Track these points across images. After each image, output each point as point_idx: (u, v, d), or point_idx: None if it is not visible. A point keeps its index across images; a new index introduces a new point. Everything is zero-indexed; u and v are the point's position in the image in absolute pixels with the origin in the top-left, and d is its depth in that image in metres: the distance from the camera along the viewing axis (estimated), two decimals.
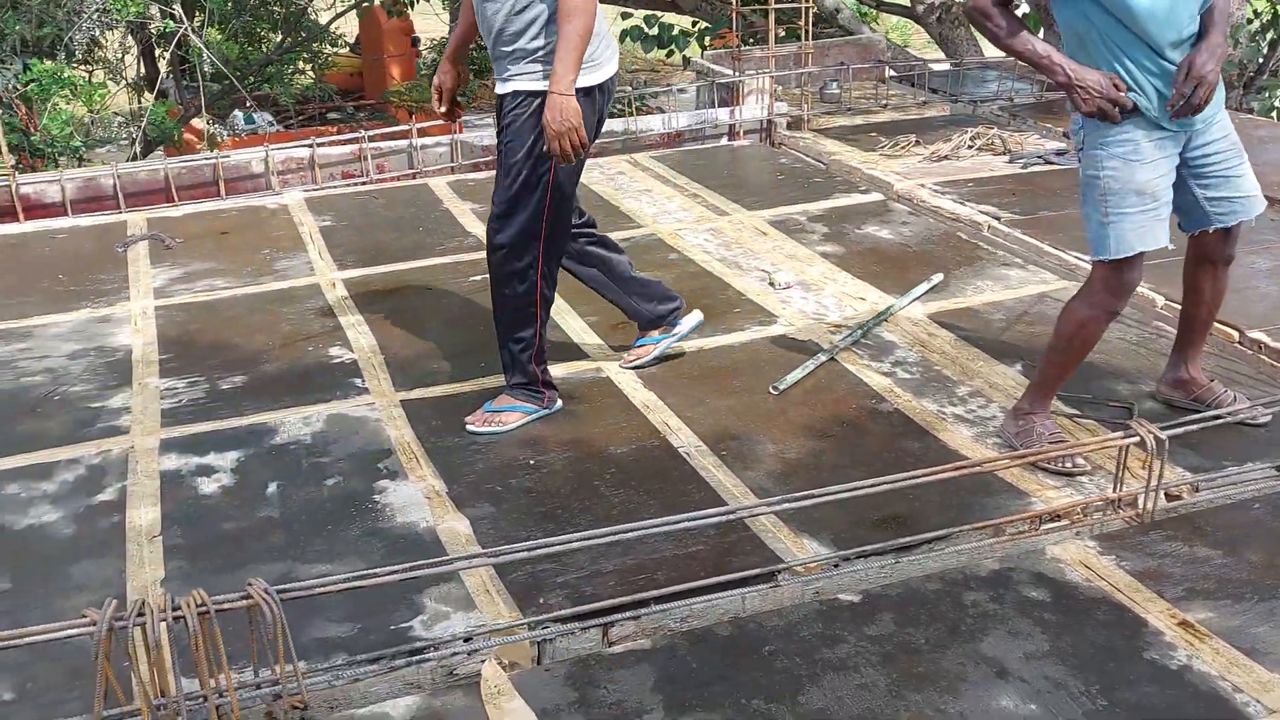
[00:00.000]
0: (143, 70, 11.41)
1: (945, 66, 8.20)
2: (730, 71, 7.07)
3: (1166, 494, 2.91)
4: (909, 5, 10.57)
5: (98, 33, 9.25)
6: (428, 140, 6.33)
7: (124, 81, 10.76)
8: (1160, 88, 2.88)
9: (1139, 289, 3.26)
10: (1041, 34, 7.23)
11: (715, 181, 5.87)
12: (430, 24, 14.40)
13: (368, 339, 4.07)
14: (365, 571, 2.34)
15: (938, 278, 4.44)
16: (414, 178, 6.20)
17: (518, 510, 3.02)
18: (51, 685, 2.38)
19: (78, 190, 5.75)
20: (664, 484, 3.12)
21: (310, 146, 6.13)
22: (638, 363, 3.76)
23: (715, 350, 3.92)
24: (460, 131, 6.50)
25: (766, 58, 6.94)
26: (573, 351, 3.93)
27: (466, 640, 2.48)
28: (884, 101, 7.29)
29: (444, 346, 3.99)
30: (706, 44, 10.09)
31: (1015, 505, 2.95)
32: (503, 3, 3.10)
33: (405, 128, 6.33)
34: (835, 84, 7.39)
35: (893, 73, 8.07)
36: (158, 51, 11.26)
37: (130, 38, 10.57)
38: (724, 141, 6.87)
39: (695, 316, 3.81)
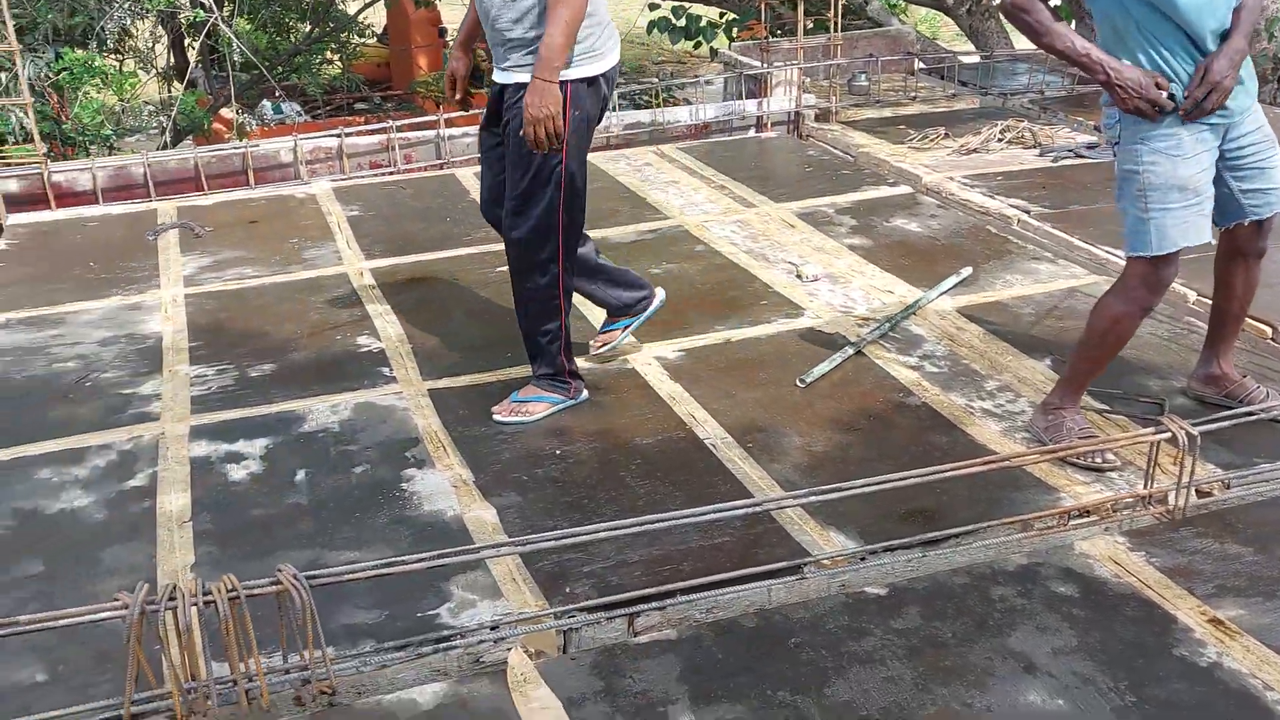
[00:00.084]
0: (172, 60, 11.49)
1: (975, 59, 8.16)
2: (758, 63, 7.04)
3: (1197, 490, 2.88)
4: None
5: (128, 22, 9.32)
6: (455, 131, 6.34)
7: (154, 71, 10.83)
8: None
9: (1172, 284, 3.23)
10: (1073, 25, 7.16)
11: (742, 173, 5.86)
12: (457, 14, 14.39)
13: (395, 328, 4.09)
14: (393, 559, 2.35)
15: (967, 271, 4.42)
16: (441, 168, 6.22)
17: (544, 500, 3.03)
18: (82, 668, 2.41)
19: (109, 178, 5.79)
20: (690, 475, 3.12)
21: (338, 136, 6.16)
22: (605, 349, 3.72)
23: (742, 342, 3.92)
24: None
25: (795, 49, 6.92)
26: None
27: (493, 628, 2.49)
28: (913, 94, 7.25)
29: (470, 336, 4.00)
30: (734, 35, 10.07)
31: (1044, 500, 2.93)
32: None
33: (433, 118, 6.34)
34: (864, 76, 7.35)
35: (922, 65, 8.02)
36: (187, 41, 11.33)
37: (160, 27, 10.63)
38: (751, 133, 6.86)
39: (660, 297, 3.74)
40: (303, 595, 2.14)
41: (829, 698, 2.23)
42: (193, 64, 11.51)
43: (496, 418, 3.41)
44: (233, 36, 8.92)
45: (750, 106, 6.86)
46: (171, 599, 2.10)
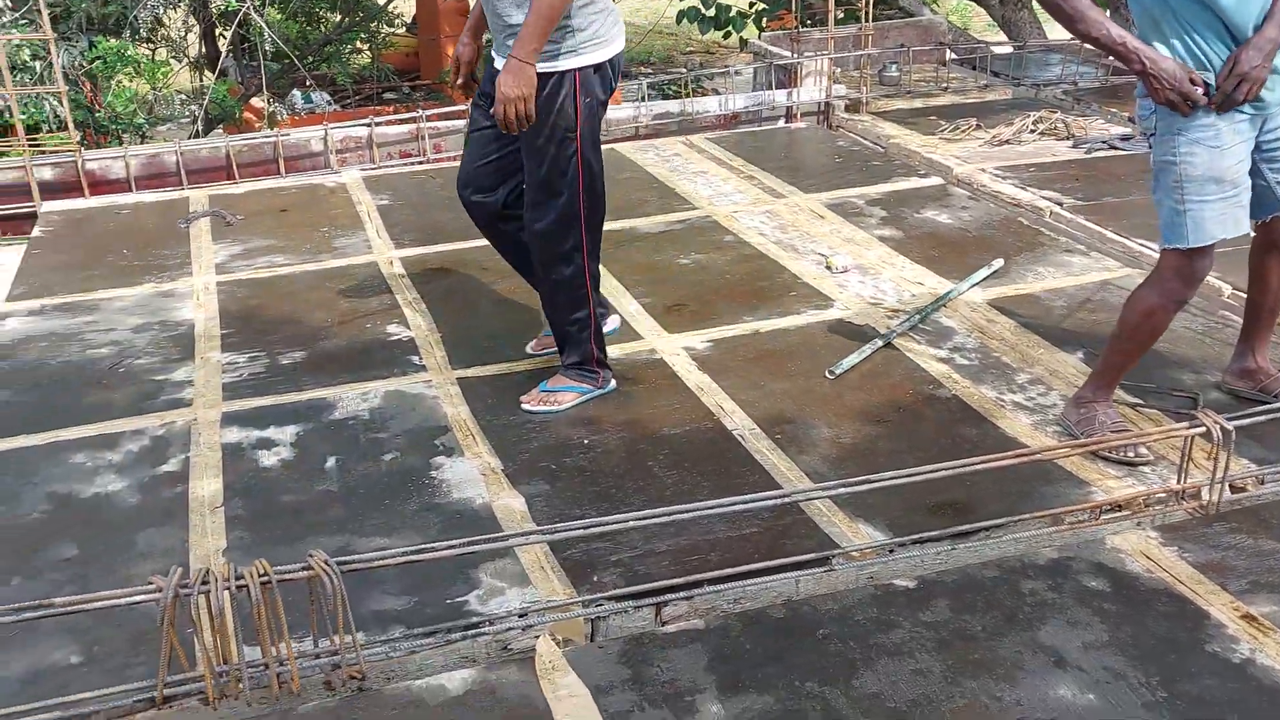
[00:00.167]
0: (203, 49, 11.55)
1: (1007, 49, 8.08)
2: (788, 53, 7.02)
3: (1231, 485, 2.85)
4: None
5: (161, 11, 9.38)
6: None
7: (186, 60, 10.89)
8: None
9: (1206, 277, 3.19)
10: (1108, 14, 7.09)
11: (772, 164, 5.84)
12: None
13: (424, 317, 4.10)
14: (424, 545, 2.36)
15: (998, 263, 4.39)
16: None
17: (572, 489, 3.03)
18: (117, 650, 2.43)
19: (142, 166, 5.84)
20: (718, 466, 3.12)
21: (368, 126, 6.18)
22: (544, 352, 3.67)
23: (771, 333, 3.91)
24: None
25: (825, 39, 6.89)
26: (627, 332, 3.93)
27: (521, 616, 2.50)
28: (944, 84, 7.20)
29: (499, 325, 4.01)
30: (764, 25, 10.03)
31: (1075, 494, 2.91)
32: None
33: (462, 108, 6.35)
34: (895, 66, 7.31)
35: (953, 55, 7.97)
36: (218, 30, 11.40)
37: (192, 17, 10.70)
38: (781, 124, 6.83)
39: (614, 323, 3.73)
40: (334, 581, 2.15)
41: (857, 689, 2.23)
42: (224, 53, 11.58)
43: (525, 407, 3.42)
44: (264, 26, 8.96)
45: (780, 97, 6.84)
46: (205, 583, 2.12)
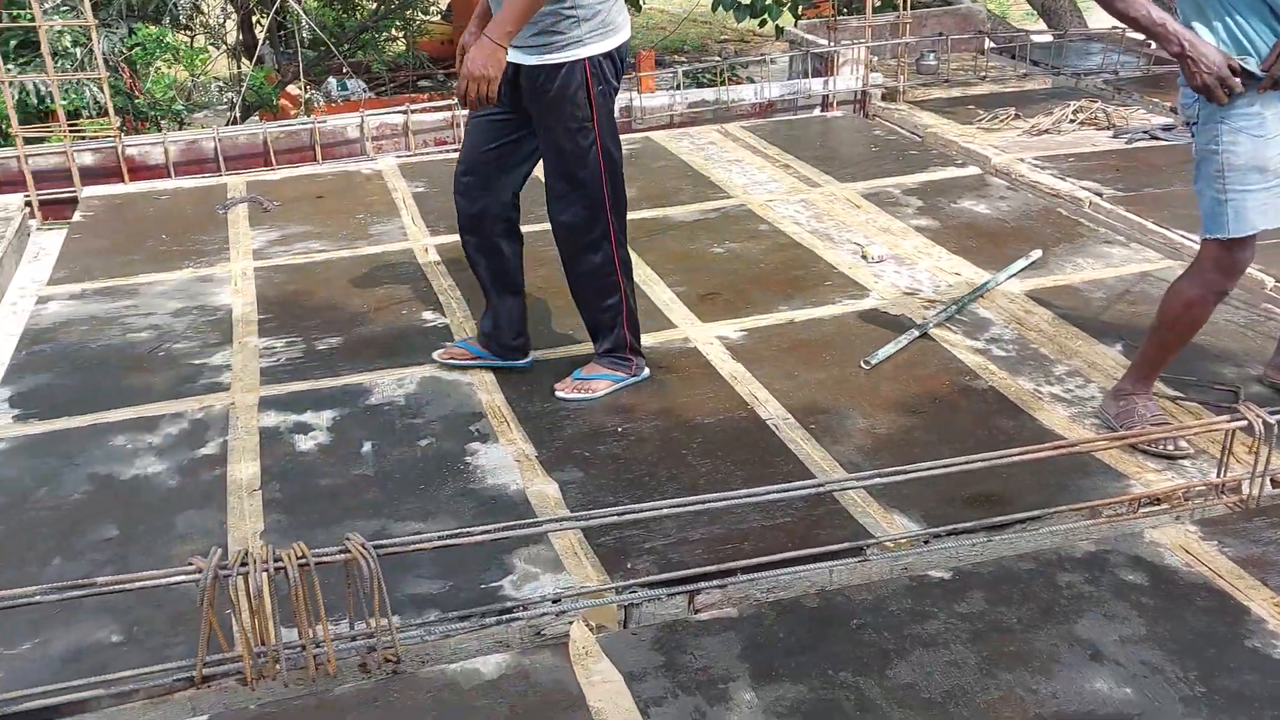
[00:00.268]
0: (240, 37, 11.63)
1: (1047, 38, 8.00)
2: (825, 42, 6.98)
3: (1273, 480, 2.81)
4: None
5: None
6: None
7: (223, 47, 10.97)
8: None
9: (1248, 269, 3.15)
10: None
11: (807, 153, 5.81)
12: None
13: (459, 304, 4.12)
14: (459, 530, 2.37)
15: (1036, 254, 4.35)
16: None
17: (605, 476, 3.04)
18: (157, 630, 2.46)
19: (180, 152, 5.89)
20: (751, 455, 3.11)
21: (404, 113, 6.20)
22: (449, 360, 3.61)
23: (806, 323, 3.89)
24: None
25: (863, 27, 6.84)
26: (661, 321, 3.93)
27: (555, 601, 2.51)
28: (983, 73, 7.14)
29: (533, 313, 4.00)
30: (800, 13, 9.96)
31: (1113, 487, 2.88)
32: None
33: None
34: (933, 55, 7.25)
35: (992, 44, 7.89)
36: (255, 17, 11.46)
37: (230, 4, 10.77)
38: (817, 112, 6.79)
39: (522, 362, 3.58)
40: (370, 564, 2.17)
41: (891, 679, 2.22)
42: (261, 40, 11.65)
43: (559, 394, 3.43)
44: (301, 13, 9.01)
45: (816, 85, 6.80)
46: (243, 565, 2.14)
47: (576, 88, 3.09)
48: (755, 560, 2.59)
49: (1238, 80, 2.75)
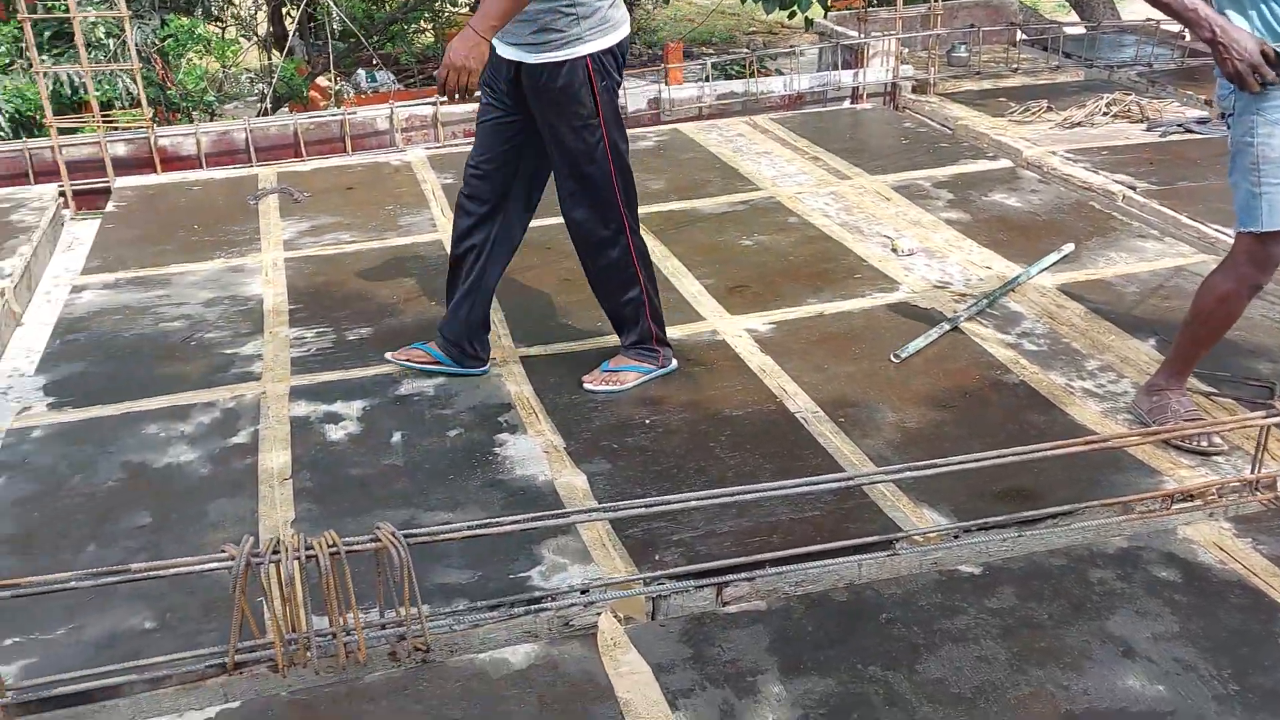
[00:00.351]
0: (271, 28, 11.70)
1: (1080, 30, 7.92)
2: (855, 33, 6.94)
3: None
4: None
5: None
6: None
7: (254, 39, 11.04)
8: None
9: None
10: None
11: (836, 145, 5.78)
12: None
13: None
14: (489, 520, 2.38)
15: (1068, 248, 4.31)
16: None
17: (633, 468, 3.04)
18: (189, 616, 2.49)
19: (212, 143, 5.94)
20: (780, 448, 3.10)
21: (433, 104, 6.22)
22: (406, 362, 3.56)
23: (835, 316, 3.88)
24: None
25: (893, 19, 6.80)
26: (689, 314, 3.92)
27: (583, 592, 2.51)
28: (1014, 66, 7.08)
29: (562, 305, 4.03)
30: (830, 5, 9.91)
31: (1146, 483, 2.86)
32: None
33: None
34: (964, 47, 7.20)
35: (1024, 36, 7.82)
36: (285, 10, 11.53)
37: None
38: (846, 105, 6.76)
39: (478, 370, 3.52)
40: (401, 553, 2.18)
41: (920, 674, 2.21)
42: (291, 32, 11.71)
43: (587, 386, 3.43)
44: (331, 5, 9.05)
45: (846, 77, 6.77)
46: (275, 553, 2.15)
47: (580, 85, 3.08)
48: (784, 553, 2.59)
49: (1271, 71, 2.71)
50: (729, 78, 7.92)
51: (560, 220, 3.43)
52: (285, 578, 2.14)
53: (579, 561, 2.64)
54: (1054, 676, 2.20)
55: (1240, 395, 3.24)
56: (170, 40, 7.91)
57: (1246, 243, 2.91)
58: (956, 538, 2.68)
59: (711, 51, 12.77)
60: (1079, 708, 2.12)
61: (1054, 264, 4.20)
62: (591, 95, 3.09)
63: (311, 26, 11.86)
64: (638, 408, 3.33)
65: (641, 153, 5.81)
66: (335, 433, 3.25)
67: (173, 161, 5.87)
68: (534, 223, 4.72)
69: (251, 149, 5.93)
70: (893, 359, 3.54)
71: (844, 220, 4.76)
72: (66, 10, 5.60)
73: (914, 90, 6.70)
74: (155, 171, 5.77)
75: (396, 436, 3.22)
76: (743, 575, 2.55)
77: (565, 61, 3.06)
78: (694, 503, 2.51)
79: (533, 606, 2.47)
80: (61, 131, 5.60)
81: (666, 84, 6.74)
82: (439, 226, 4.85)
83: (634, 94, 6.55)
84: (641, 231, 3.40)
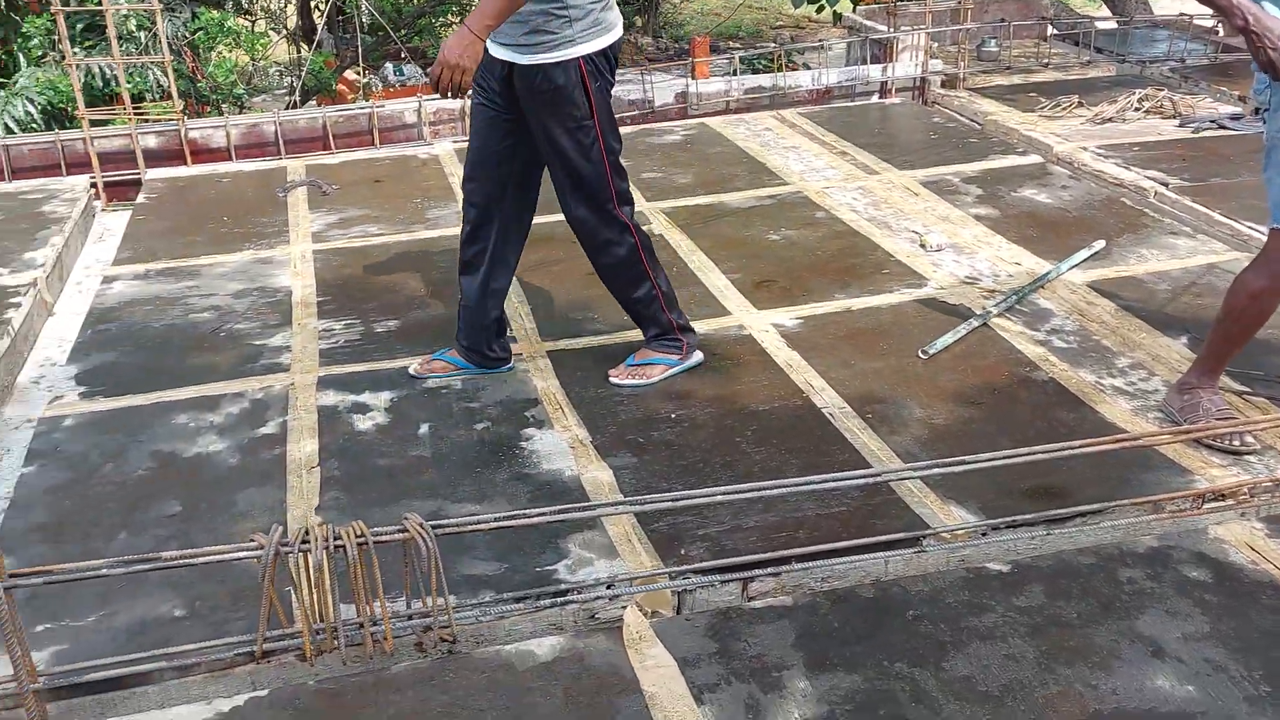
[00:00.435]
0: (300, 21, 11.73)
1: (1112, 25, 7.85)
2: (884, 28, 6.90)
3: None
4: None
5: None
6: None
7: (284, 32, 11.08)
8: None
9: None
10: None
11: (865, 139, 5.75)
12: None
13: (514, 290, 4.12)
14: (516, 512, 2.38)
15: (1099, 244, 4.27)
16: None
17: (659, 462, 3.04)
18: (218, 605, 2.50)
19: (241, 136, 5.97)
20: (806, 443, 3.10)
21: (462, 99, 6.22)
22: (426, 374, 3.52)
23: (863, 311, 3.86)
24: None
25: (923, 13, 6.75)
26: (715, 308, 3.92)
27: (609, 586, 2.51)
28: (1045, 60, 7.03)
29: (588, 299, 4.02)
30: None
31: (1177, 482, 2.83)
32: None
33: None
34: (994, 41, 7.15)
35: (1055, 31, 7.76)
36: (314, 3, 11.56)
37: None
38: (875, 99, 6.73)
39: (504, 368, 3.54)
40: (428, 544, 2.19)
41: (947, 672, 2.20)
42: (320, 26, 11.75)
43: (613, 380, 3.43)
44: None
45: (874, 72, 6.73)
46: (304, 542, 2.16)
47: (574, 86, 3.08)
48: (810, 549, 2.58)
49: None
50: (756, 72, 7.90)
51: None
52: (314, 567, 2.15)
53: (605, 555, 2.64)
54: (1082, 676, 2.18)
55: (1273, 394, 3.20)
56: (200, 33, 7.95)
57: None
58: (984, 535, 2.66)
59: (739, 46, 12.73)
60: (1107, 707, 2.10)
61: (1084, 260, 4.17)
62: (585, 96, 3.09)
63: (340, 20, 11.89)
64: (664, 402, 3.33)
65: (669, 147, 5.80)
66: (363, 424, 3.26)
67: (203, 154, 5.91)
68: (559, 216, 4.72)
69: (280, 142, 5.96)
70: (921, 355, 3.52)
71: (872, 215, 4.74)
72: (99, 3, 5.64)
73: (943, 85, 6.66)
74: (185, 163, 5.81)
75: (424, 428, 3.23)
76: (769, 570, 2.54)
77: (557, 64, 3.06)
78: (720, 497, 2.50)
79: (559, 599, 2.47)
80: (93, 123, 5.64)
81: (694, 78, 6.72)
82: None
83: (661, 88, 6.54)
84: (643, 227, 3.39)
